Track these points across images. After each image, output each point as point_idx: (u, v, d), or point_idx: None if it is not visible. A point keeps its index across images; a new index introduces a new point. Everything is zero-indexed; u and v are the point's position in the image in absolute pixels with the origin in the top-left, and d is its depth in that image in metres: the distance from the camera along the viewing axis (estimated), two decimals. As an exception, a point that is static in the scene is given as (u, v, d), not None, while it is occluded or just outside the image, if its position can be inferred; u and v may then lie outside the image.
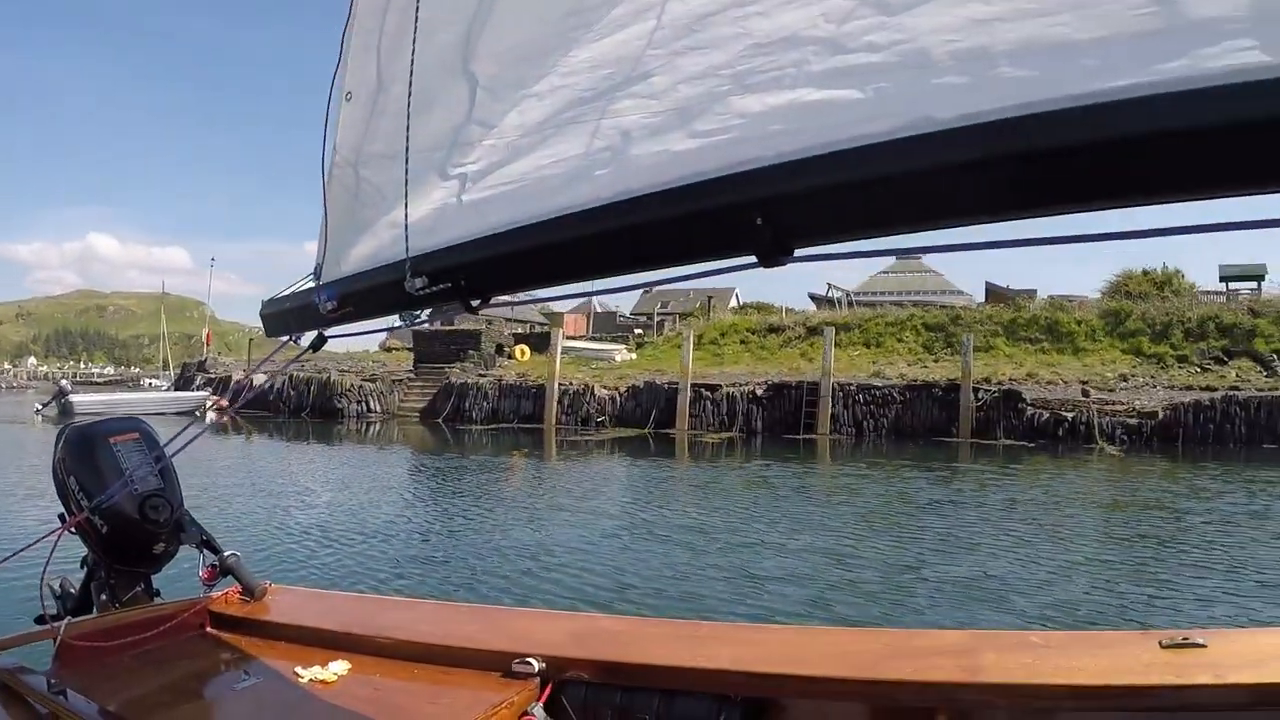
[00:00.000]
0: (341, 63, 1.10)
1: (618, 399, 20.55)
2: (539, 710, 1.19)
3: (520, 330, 30.64)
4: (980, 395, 20.46)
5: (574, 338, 27.63)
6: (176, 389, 28.23)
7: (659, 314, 37.62)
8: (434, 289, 0.92)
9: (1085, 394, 20.49)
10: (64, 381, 28.42)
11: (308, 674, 1.27)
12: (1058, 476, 14.34)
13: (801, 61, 0.68)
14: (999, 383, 21.51)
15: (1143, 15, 0.54)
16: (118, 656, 1.32)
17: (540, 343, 24.59)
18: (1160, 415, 19.56)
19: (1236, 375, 23.25)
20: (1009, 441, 19.33)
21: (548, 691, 1.23)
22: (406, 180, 0.97)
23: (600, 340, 29.66)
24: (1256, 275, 28.64)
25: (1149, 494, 11.97)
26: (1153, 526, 9.19)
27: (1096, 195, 0.56)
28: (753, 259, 0.70)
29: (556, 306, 28.36)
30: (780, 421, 20.29)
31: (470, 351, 24.84)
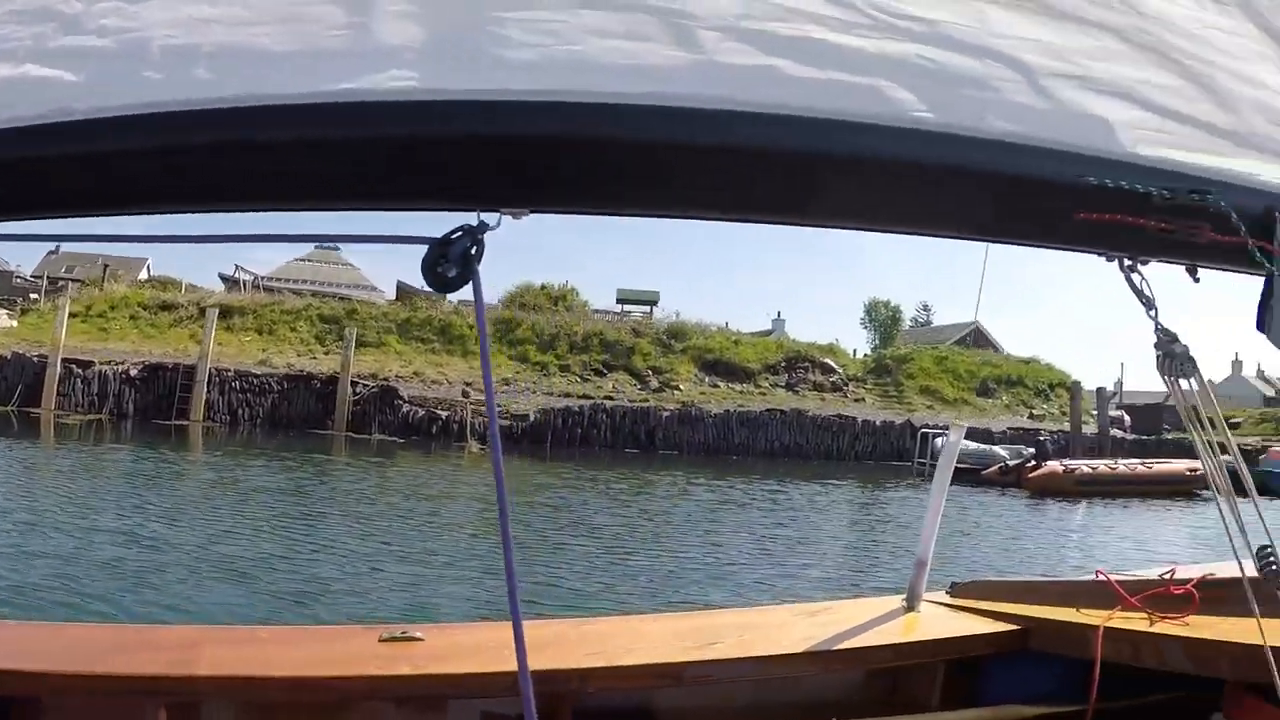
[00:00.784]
0: None
1: (-26, 372, 18.07)
2: None
3: None
4: (359, 390, 22.62)
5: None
6: None
7: (62, 278, 37.21)
8: None
9: (465, 394, 24.39)
10: None
11: None
12: (408, 472, 16.57)
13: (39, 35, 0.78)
14: (383, 379, 23.84)
15: (332, 35, 0.77)
16: None
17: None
18: (531, 418, 24.65)
19: (613, 386, 29.11)
20: (383, 437, 21.83)
21: None
22: None
23: (-15, 302, 26.15)
24: (649, 300, 38.07)
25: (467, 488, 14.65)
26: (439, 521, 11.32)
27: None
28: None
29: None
30: (154, 405, 20.44)
31: None
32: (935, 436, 23.22)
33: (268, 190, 0.82)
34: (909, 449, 24.48)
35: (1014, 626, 2.08)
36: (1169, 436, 27.68)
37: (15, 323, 25.03)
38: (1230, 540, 1.44)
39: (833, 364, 34.14)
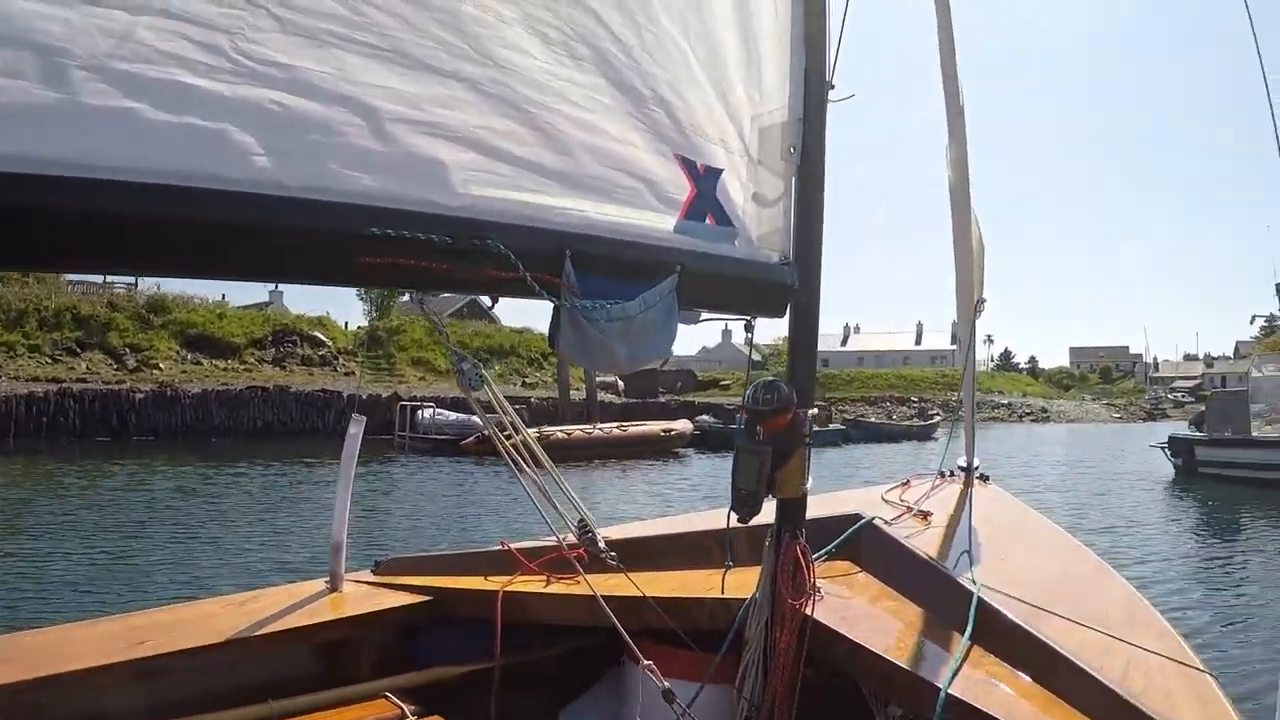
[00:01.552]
0: None
1: None
2: None
3: None
4: None
5: None
6: None
7: None
8: None
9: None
10: None
11: None
12: None
13: None
14: None
15: None
16: None
17: None
18: (-10, 407, 20.87)
19: (87, 368, 27.58)
20: None
21: None
22: None
23: None
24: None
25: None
26: None
27: None
28: None
29: None
30: None
31: None
32: (417, 409, 25.56)
33: None
34: (413, 421, 26.43)
35: (428, 598, 2.58)
36: (663, 399, 35.41)
37: None
38: (542, 514, 1.97)
39: (322, 337, 35.92)
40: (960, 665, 1.89)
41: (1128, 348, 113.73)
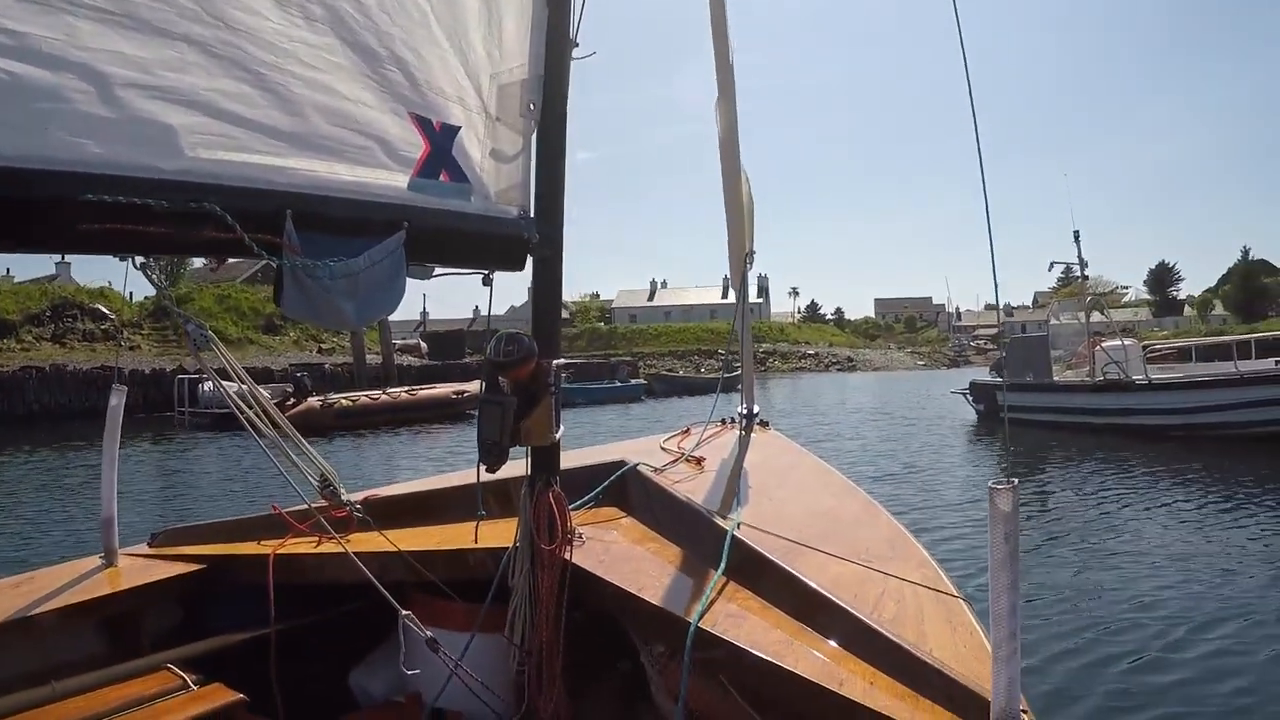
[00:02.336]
0: None
1: None
2: None
3: None
4: None
5: None
6: None
7: None
8: None
9: None
10: None
11: None
12: None
13: None
14: None
15: None
16: None
17: None
18: None
19: None
20: None
21: None
22: None
23: None
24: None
25: None
26: None
27: None
28: None
29: None
30: None
31: None
32: (199, 383, 25.16)
33: None
34: (194, 396, 26.25)
35: (204, 566, 2.81)
36: (469, 360, 36.09)
37: None
38: (286, 477, 2.24)
39: (105, 310, 36.15)
40: (712, 601, 2.23)
41: (931, 298, 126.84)
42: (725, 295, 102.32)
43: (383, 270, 1.87)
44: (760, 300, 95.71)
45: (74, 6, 1.39)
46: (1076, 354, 21.86)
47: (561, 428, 2.37)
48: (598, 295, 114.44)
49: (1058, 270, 23.74)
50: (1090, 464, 14.48)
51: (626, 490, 3.08)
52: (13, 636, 2.33)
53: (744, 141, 4.47)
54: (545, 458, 2.38)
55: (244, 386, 2.27)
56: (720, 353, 61.58)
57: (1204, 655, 5.48)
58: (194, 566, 2.80)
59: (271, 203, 1.69)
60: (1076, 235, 22.47)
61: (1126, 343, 20.77)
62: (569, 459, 2.70)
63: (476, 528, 2.61)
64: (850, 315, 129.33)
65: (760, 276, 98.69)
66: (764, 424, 5.05)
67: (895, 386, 44.42)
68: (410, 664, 2.25)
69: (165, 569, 2.79)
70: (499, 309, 2.34)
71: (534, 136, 2.32)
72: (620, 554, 2.54)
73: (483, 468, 2.27)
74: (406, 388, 27.70)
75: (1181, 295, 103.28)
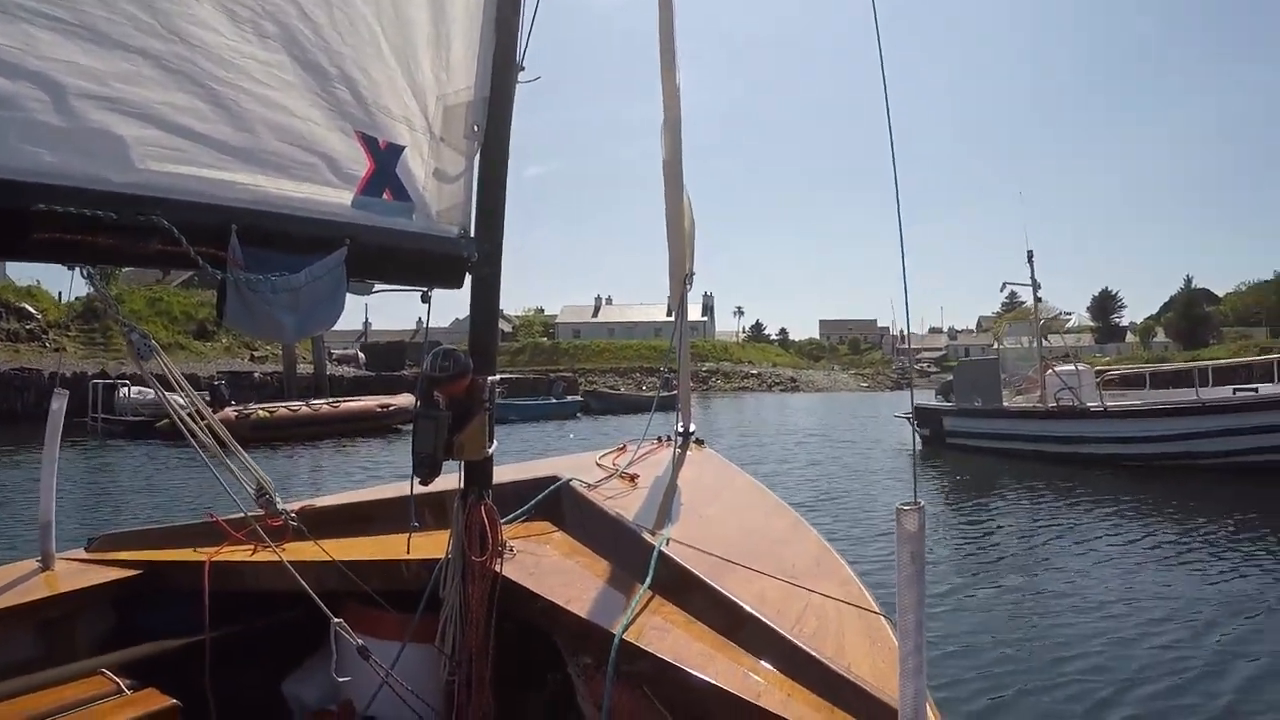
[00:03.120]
0: None
1: None
2: None
3: None
4: None
5: None
6: None
7: None
8: None
9: None
10: None
11: None
12: None
13: None
14: None
15: None
16: None
17: None
18: None
19: None
20: None
21: None
22: None
23: None
24: None
25: None
26: None
27: None
28: None
29: None
30: None
31: None
32: (121, 387, 25.34)
33: None
34: (109, 402, 26.09)
35: (140, 571, 2.86)
36: (406, 372, 36.36)
37: None
38: (224, 486, 2.31)
39: (31, 309, 36.48)
40: (638, 614, 2.33)
41: (875, 321, 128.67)
42: (670, 313, 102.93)
43: (323, 286, 1.96)
44: (704, 319, 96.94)
45: (33, 16, 1.47)
46: (1027, 379, 21.49)
47: (495, 442, 2.48)
48: (542, 310, 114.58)
49: (1009, 291, 23.29)
50: (1039, 493, 14.29)
51: (559, 505, 3.18)
52: None
53: (690, 164, 4.64)
54: (478, 471, 2.48)
55: (183, 395, 2.32)
56: (661, 370, 61.97)
57: (1127, 689, 5.62)
58: (130, 572, 2.85)
59: (218, 217, 1.78)
60: (1030, 256, 22.07)
61: (1080, 368, 20.48)
62: (503, 473, 2.81)
63: (409, 539, 2.70)
64: (795, 336, 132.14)
65: (705, 295, 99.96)
66: (699, 442, 5.20)
67: (838, 409, 45.13)
68: (342, 672, 2.31)
69: (101, 574, 2.84)
70: (443, 321, 2.45)
71: (476, 158, 2.43)
72: (550, 567, 2.64)
73: (416, 480, 2.35)
74: (329, 400, 27.47)
75: (1124, 322, 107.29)
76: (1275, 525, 10.78)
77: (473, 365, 2.34)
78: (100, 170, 1.58)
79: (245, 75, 1.83)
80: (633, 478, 3.84)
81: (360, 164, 2.11)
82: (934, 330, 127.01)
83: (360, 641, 2.31)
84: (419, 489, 2.37)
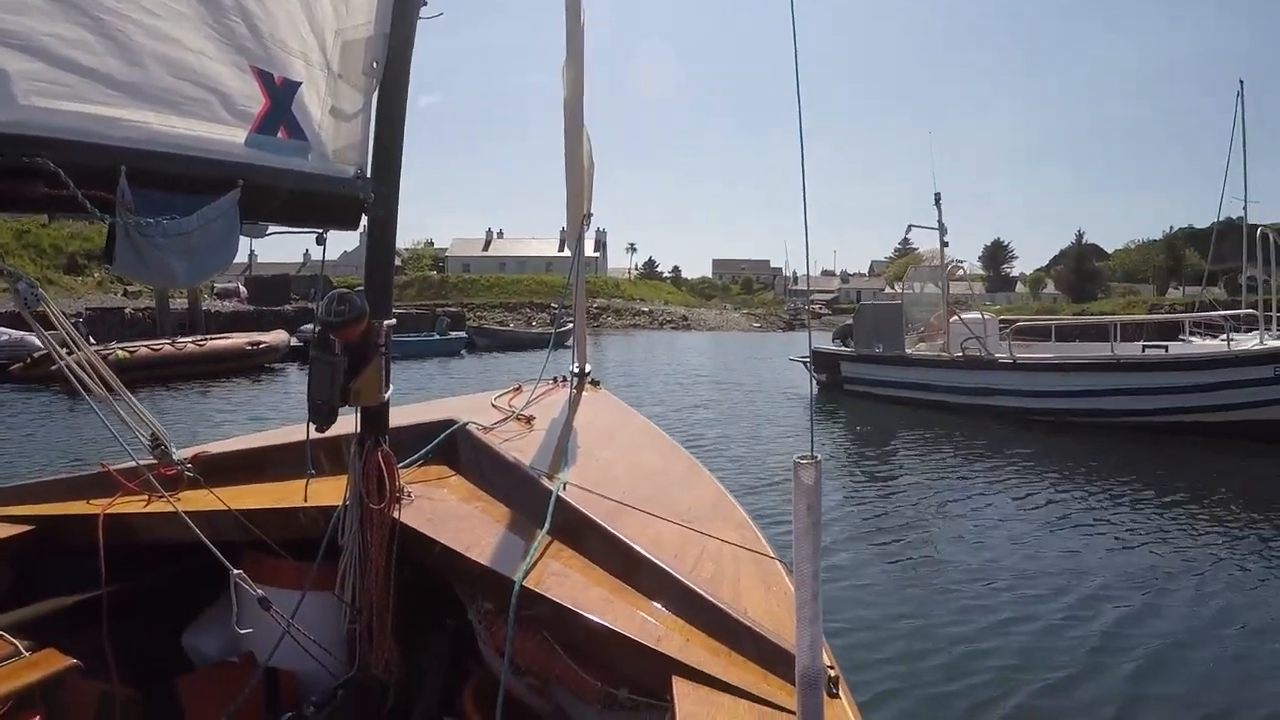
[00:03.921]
0: None
1: None
2: None
3: None
4: None
5: None
6: None
7: None
8: None
9: None
10: None
11: None
12: None
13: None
14: None
15: None
16: None
17: None
18: None
19: None
20: None
21: None
22: None
23: None
24: None
25: None
26: None
27: None
28: None
29: None
30: None
31: None
32: None
33: None
34: None
35: (31, 527, 2.77)
36: (289, 307, 35.67)
37: None
38: (114, 433, 2.29)
39: None
40: (537, 559, 2.42)
41: (768, 261, 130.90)
42: (562, 248, 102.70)
43: (216, 229, 1.95)
44: (596, 255, 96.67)
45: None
46: (929, 325, 21.08)
47: (391, 387, 2.52)
48: (432, 242, 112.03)
49: (913, 232, 23.41)
50: (942, 446, 14.29)
51: (455, 448, 3.24)
52: None
53: (590, 101, 4.65)
54: (374, 417, 2.52)
55: (77, 343, 2.26)
56: (553, 307, 61.79)
57: (1016, 647, 5.89)
58: (22, 528, 2.75)
59: (106, 158, 1.75)
60: (938, 198, 21.55)
61: (986, 317, 19.95)
62: (399, 415, 2.84)
63: (307, 485, 2.73)
64: (688, 274, 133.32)
65: (598, 231, 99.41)
66: (595, 383, 5.30)
67: (730, 349, 45.86)
68: (243, 624, 2.35)
69: None
70: (332, 254, 2.44)
71: (375, 96, 2.42)
72: (447, 512, 2.70)
73: (313, 427, 2.37)
74: (196, 338, 26.02)
75: (1014, 273, 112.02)
76: (1183, 488, 11.02)
77: (369, 309, 2.35)
78: (-18, 109, 1.53)
79: (136, 5, 1.78)
80: (529, 419, 3.92)
81: (255, 100, 2.09)
82: (827, 273, 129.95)
83: (260, 593, 2.35)
84: (315, 434, 2.39)
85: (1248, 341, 15.64)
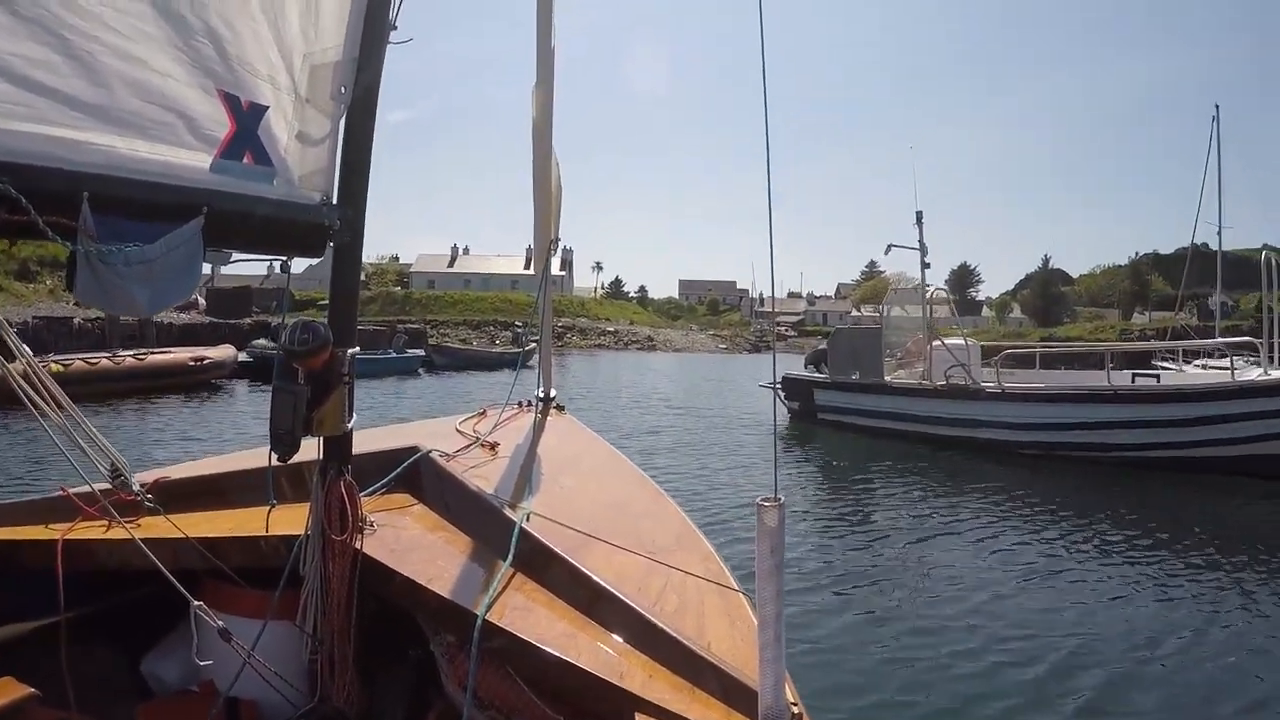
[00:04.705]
0: None
1: None
2: None
3: None
4: None
5: None
6: None
7: None
8: None
9: None
10: None
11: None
12: None
13: None
14: None
15: None
16: None
17: None
18: None
19: None
20: None
21: None
22: None
23: None
24: None
25: None
26: None
27: None
28: None
29: None
30: None
31: None
32: None
33: None
34: None
35: None
36: (248, 321, 35.65)
37: None
38: (71, 460, 2.25)
39: None
40: (499, 593, 2.42)
41: (735, 282, 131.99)
42: (528, 266, 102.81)
43: (179, 256, 1.94)
44: (562, 274, 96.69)
45: None
46: (907, 350, 20.26)
47: (355, 416, 2.51)
48: (397, 258, 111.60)
49: (881, 258, 23.01)
50: (923, 479, 13.49)
51: (419, 477, 3.23)
52: None
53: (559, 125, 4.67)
54: (337, 446, 2.50)
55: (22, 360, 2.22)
56: (516, 325, 61.62)
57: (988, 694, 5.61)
58: None
59: (69, 183, 1.73)
60: (919, 216, 20.57)
61: (969, 343, 18.96)
62: (362, 440, 2.83)
63: (269, 514, 2.71)
64: (654, 294, 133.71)
65: (564, 249, 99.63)
66: (560, 408, 5.31)
67: (696, 371, 45.75)
68: (203, 655, 2.34)
69: None
70: (296, 268, 2.43)
71: (342, 121, 2.41)
72: (410, 543, 2.69)
73: (274, 456, 2.35)
74: (136, 351, 24.77)
75: (980, 297, 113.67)
76: (1189, 530, 10.15)
77: (332, 338, 2.33)
78: (-59, 128, 1.50)
79: (103, 25, 1.77)
80: (493, 446, 3.93)
81: (221, 125, 2.09)
82: (793, 295, 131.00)
83: (220, 624, 2.33)
84: (277, 461, 2.37)
85: (1252, 371, 14.94)
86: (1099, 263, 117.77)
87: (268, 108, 2.19)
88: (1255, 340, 15.76)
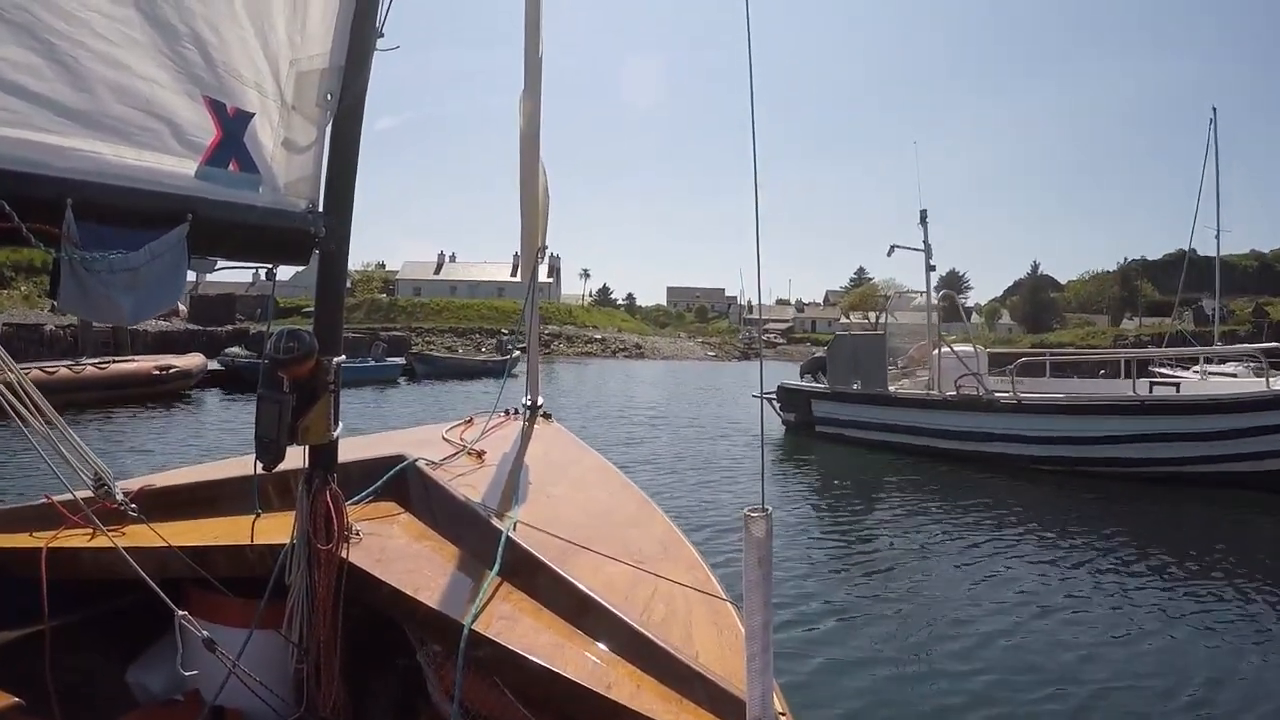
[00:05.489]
0: None
1: None
2: None
3: None
4: None
5: None
6: None
7: None
8: None
9: None
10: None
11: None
12: None
13: None
14: None
15: None
16: None
17: None
18: None
19: None
20: None
21: None
22: None
23: None
24: None
25: None
26: None
27: None
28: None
29: None
30: None
31: None
32: None
33: None
34: None
35: None
36: (226, 329, 35.93)
37: None
38: (54, 468, 2.25)
39: None
40: (486, 602, 2.42)
41: (723, 289, 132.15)
42: (515, 273, 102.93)
43: (163, 264, 1.94)
44: (550, 281, 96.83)
45: None
46: (910, 358, 19.50)
47: (341, 425, 2.52)
48: (383, 265, 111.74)
49: (872, 266, 22.75)
50: (940, 501, 12.44)
51: (405, 485, 3.24)
52: None
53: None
54: (323, 455, 2.50)
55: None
56: (503, 333, 61.54)
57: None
58: None
59: (52, 190, 1.74)
60: (923, 215, 19.54)
61: (978, 350, 17.94)
62: (349, 449, 2.84)
63: (254, 523, 2.71)
64: (642, 301, 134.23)
65: (552, 256, 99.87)
66: (547, 416, 5.33)
67: (686, 380, 45.62)
68: (188, 665, 2.33)
69: None
70: (283, 275, 2.44)
71: (329, 128, 2.42)
72: (396, 552, 2.70)
73: (259, 465, 2.36)
74: (98, 360, 23.74)
75: (969, 303, 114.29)
76: (1229, 553, 9.45)
77: (318, 346, 2.34)
78: (-78, 133, 1.51)
79: (88, 30, 1.77)
80: (480, 454, 3.95)
81: (206, 131, 2.09)
82: (781, 302, 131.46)
83: (205, 634, 2.33)
84: (246, 470, 2.36)
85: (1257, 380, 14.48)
86: (1087, 269, 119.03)
87: (254, 114, 2.20)
88: None
